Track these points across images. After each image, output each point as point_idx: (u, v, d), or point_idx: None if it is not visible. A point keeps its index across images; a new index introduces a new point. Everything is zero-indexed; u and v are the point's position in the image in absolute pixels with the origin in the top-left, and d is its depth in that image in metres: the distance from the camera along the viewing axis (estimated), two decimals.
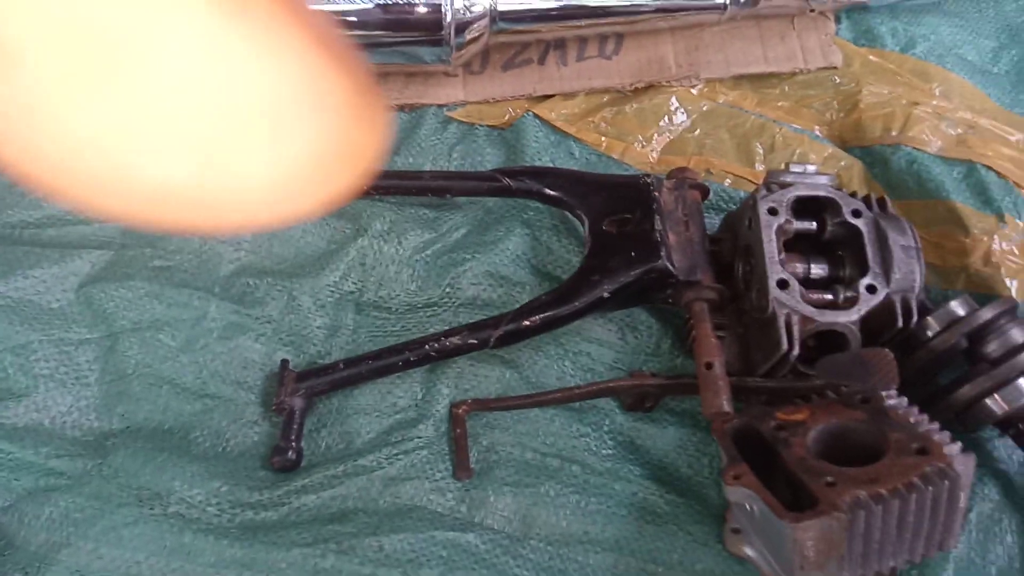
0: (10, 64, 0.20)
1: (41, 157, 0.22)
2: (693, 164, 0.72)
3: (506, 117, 0.75)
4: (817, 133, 0.74)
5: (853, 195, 0.59)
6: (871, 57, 0.76)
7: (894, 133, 0.71)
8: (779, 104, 0.76)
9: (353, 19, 0.67)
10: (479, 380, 0.61)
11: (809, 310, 0.55)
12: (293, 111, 0.23)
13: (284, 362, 0.59)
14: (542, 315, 0.57)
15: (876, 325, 0.56)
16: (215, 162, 0.23)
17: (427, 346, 0.57)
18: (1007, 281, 0.63)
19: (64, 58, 0.20)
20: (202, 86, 0.22)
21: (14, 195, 0.63)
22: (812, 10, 0.76)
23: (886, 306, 0.55)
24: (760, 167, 0.72)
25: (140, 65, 0.21)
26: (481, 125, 0.74)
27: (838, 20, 0.78)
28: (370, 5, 0.67)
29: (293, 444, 0.55)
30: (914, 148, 0.70)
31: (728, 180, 0.71)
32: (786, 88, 0.76)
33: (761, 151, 0.72)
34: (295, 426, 0.56)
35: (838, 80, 0.76)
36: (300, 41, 0.23)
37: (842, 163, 0.72)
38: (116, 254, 0.60)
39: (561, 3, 0.71)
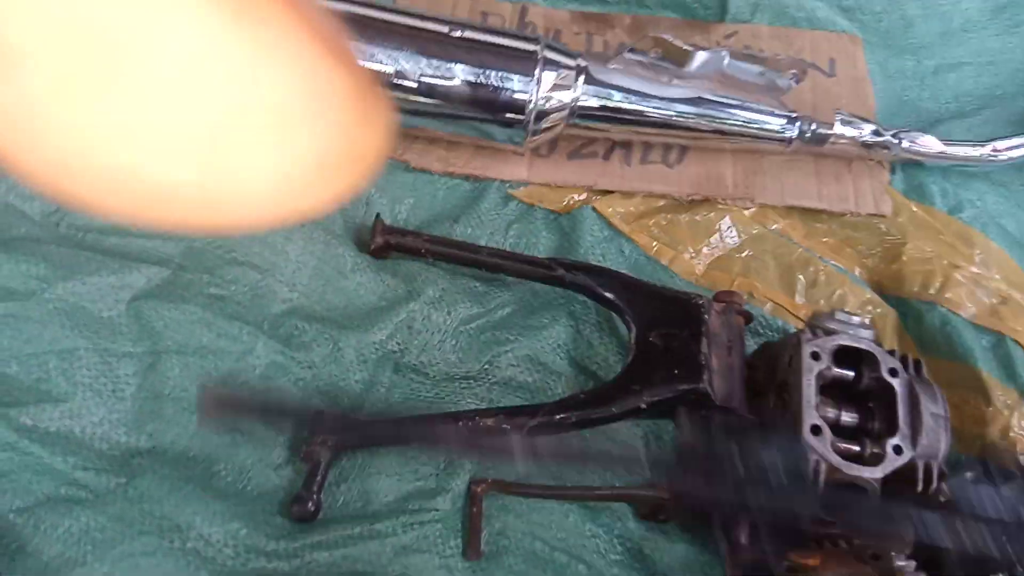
0: (11, 65, 0.20)
1: (44, 157, 0.22)
2: (737, 284, 0.74)
3: (565, 203, 0.77)
4: (857, 275, 0.77)
5: (891, 352, 0.61)
6: (919, 212, 0.79)
7: (932, 291, 0.74)
8: (824, 240, 0.78)
9: (440, 89, 0.70)
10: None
11: (837, 460, 0.56)
12: (296, 111, 0.23)
13: (318, 412, 0.59)
14: (578, 413, 0.58)
15: (896, 484, 0.57)
16: (217, 162, 0.23)
17: (460, 423, 0.58)
18: (1022, 459, 0.65)
19: (66, 59, 0.20)
20: (204, 86, 0.22)
21: None
22: (871, 159, 0.80)
23: (909, 468, 0.57)
24: (800, 299, 0.74)
25: (142, 65, 0.21)
26: (540, 207, 0.77)
27: (892, 171, 0.82)
28: (458, 81, 0.70)
29: (314, 496, 0.56)
30: (949, 310, 0.72)
31: (768, 306, 0.73)
32: (834, 226, 0.79)
33: (803, 284, 0.75)
34: (318, 477, 0.57)
35: (884, 228, 0.79)
36: (302, 41, 0.23)
37: (878, 310, 0.74)
38: (173, 274, 0.61)
39: (638, 113, 0.74)
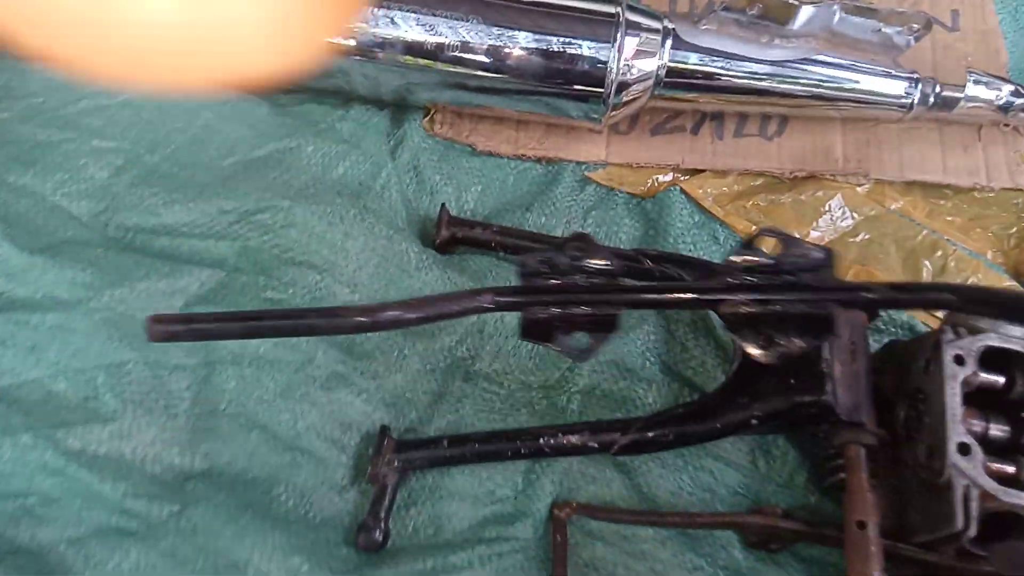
0: None
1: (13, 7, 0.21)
2: (853, 273, 0.65)
3: (649, 185, 0.69)
4: (991, 259, 0.66)
5: None
6: None
7: None
8: (951, 219, 0.68)
9: (509, 62, 0.62)
10: (586, 480, 0.55)
11: (992, 485, 0.47)
12: None
13: (384, 428, 0.54)
14: (676, 430, 0.51)
15: None
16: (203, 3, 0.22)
17: (542, 440, 0.52)
18: None
19: None
20: None
21: (133, 196, 0.60)
22: (1007, 124, 0.69)
23: None
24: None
25: None
26: (621, 191, 0.69)
27: None
28: (528, 51, 0.62)
29: (381, 523, 0.50)
30: None
31: None
32: (961, 203, 0.68)
33: (929, 271, 0.65)
34: (386, 502, 0.51)
35: (1021, 204, 0.68)
36: None
37: None
38: (228, 276, 0.57)
39: (733, 79, 0.65)
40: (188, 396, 0.53)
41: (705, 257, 0.64)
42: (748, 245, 0.50)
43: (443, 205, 0.64)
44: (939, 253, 0.65)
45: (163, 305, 0.55)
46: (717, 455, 0.56)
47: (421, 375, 0.57)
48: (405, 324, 0.43)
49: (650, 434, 0.51)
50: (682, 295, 0.47)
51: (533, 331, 0.45)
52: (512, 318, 0.59)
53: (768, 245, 0.50)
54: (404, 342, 0.57)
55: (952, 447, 0.48)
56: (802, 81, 0.65)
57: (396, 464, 0.52)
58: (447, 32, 0.62)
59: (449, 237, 0.62)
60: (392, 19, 0.61)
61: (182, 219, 0.60)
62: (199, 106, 0.65)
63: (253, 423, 0.53)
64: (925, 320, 0.62)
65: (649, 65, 0.64)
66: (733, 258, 0.49)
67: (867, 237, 0.66)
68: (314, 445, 0.53)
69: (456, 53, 0.62)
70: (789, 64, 0.65)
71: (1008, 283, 0.64)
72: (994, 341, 0.51)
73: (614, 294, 0.46)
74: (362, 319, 0.42)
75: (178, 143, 0.64)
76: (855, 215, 0.67)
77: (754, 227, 0.66)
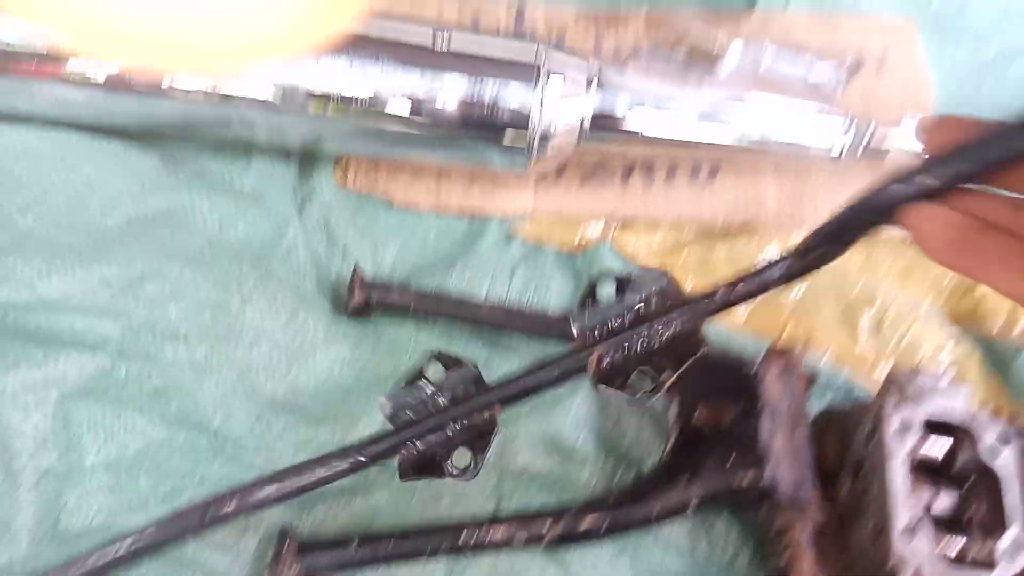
0: None
1: None
2: (790, 329, 0.62)
3: (578, 239, 0.65)
4: (930, 307, 0.65)
5: (995, 417, 0.49)
6: None
7: (1017, 332, 0.62)
8: (886, 266, 0.66)
9: (423, 109, 0.58)
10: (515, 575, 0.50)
11: (941, 570, 0.44)
12: None
13: (284, 530, 0.48)
14: (610, 520, 0.47)
15: None
16: None
17: (463, 536, 0.47)
18: None
19: None
20: None
21: (3, 266, 0.53)
22: None
23: None
24: (866, 343, 0.62)
25: None
26: (550, 245, 0.65)
27: None
28: (447, 98, 0.58)
29: None
30: None
31: (828, 357, 0.61)
32: (897, 249, 0.67)
33: (867, 325, 0.62)
34: None
35: None
36: None
37: (959, 350, 0.62)
38: (111, 362, 0.50)
39: (662, 125, 0.61)
40: (42, 508, 0.46)
41: None
42: (583, 303, 0.51)
43: (356, 266, 0.58)
44: (877, 303, 0.63)
45: (34, 400, 0.48)
46: (656, 536, 0.52)
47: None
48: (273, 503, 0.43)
49: (582, 526, 0.47)
50: (549, 372, 0.46)
51: (414, 469, 0.45)
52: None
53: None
54: (313, 432, 0.51)
55: (897, 532, 0.45)
56: (732, 127, 0.62)
57: (298, 569, 0.46)
58: (361, 78, 0.57)
59: (363, 302, 0.57)
60: (300, 63, 0.56)
61: (59, 291, 0.53)
62: (79, 159, 0.58)
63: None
64: (867, 378, 0.60)
65: (575, 109, 0.60)
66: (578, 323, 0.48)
67: (802, 290, 0.63)
68: (201, 555, 0.47)
69: (368, 100, 0.58)
70: (719, 107, 0.62)
71: (948, 333, 0.63)
72: (938, 409, 0.49)
73: (478, 399, 0.45)
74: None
75: (55, 202, 0.57)
76: None
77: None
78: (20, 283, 0.53)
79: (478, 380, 0.46)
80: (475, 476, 0.45)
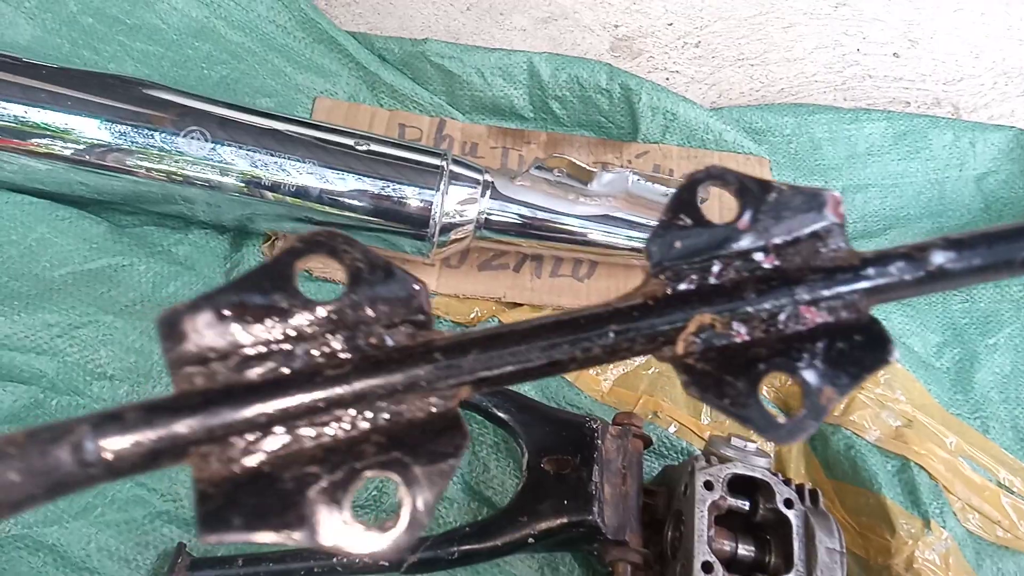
0: None
1: None
2: (642, 404, 0.73)
3: (472, 315, 0.76)
4: (764, 394, 0.76)
5: (787, 482, 0.60)
6: None
7: (836, 413, 0.73)
8: None
9: (343, 200, 0.69)
10: None
11: None
12: None
13: (181, 545, 0.55)
14: (461, 548, 0.55)
15: None
16: None
17: (335, 559, 0.54)
18: None
19: None
20: None
21: None
22: None
23: None
24: (706, 419, 0.73)
25: None
26: (446, 319, 0.75)
27: None
28: (363, 193, 0.69)
29: None
30: (854, 433, 0.71)
31: (673, 427, 0.72)
32: None
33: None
34: None
35: None
36: None
37: None
38: (43, 394, 0.58)
39: (544, 228, 0.74)
40: None
41: (516, 386, 0.71)
42: (675, 211, 0.31)
43: None
44: None
45: None
46: (509, 573, 0.60)
47: None
48: None
49: (438, 552, 0.55)
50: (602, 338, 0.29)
51: None
52: None
53: None
54: None
55: (697, 565, 0.54)
56: (603, 233, 0.75)
57: None
58: (291, 171, 0.68)
59: None
60: (235, 155, 0.67)
61: (4, 331, 0.61)
62: (36, 220, 0.67)
63: (40, 544, 0.53)
64: (701, 446, 0.70)
65: (470, 211, 0.72)
66: None
67: (657, 371, 0.75)
68: (105, 565, 0.53)
69: (295, 190, 0.68)
70: (592, 218, 0.75)
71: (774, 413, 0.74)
72: (740, 469, 0.59)
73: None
74: None
75: (10, 254, 0.65)
76: None
77: None
78: None
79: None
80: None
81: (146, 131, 0.65)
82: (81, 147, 0.65)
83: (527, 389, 0.70)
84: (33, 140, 0.65)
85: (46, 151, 0.65)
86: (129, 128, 0.65)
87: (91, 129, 0.65)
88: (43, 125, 0.64)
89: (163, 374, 0.62)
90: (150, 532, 0.55)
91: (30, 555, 0.52)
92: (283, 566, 0.55)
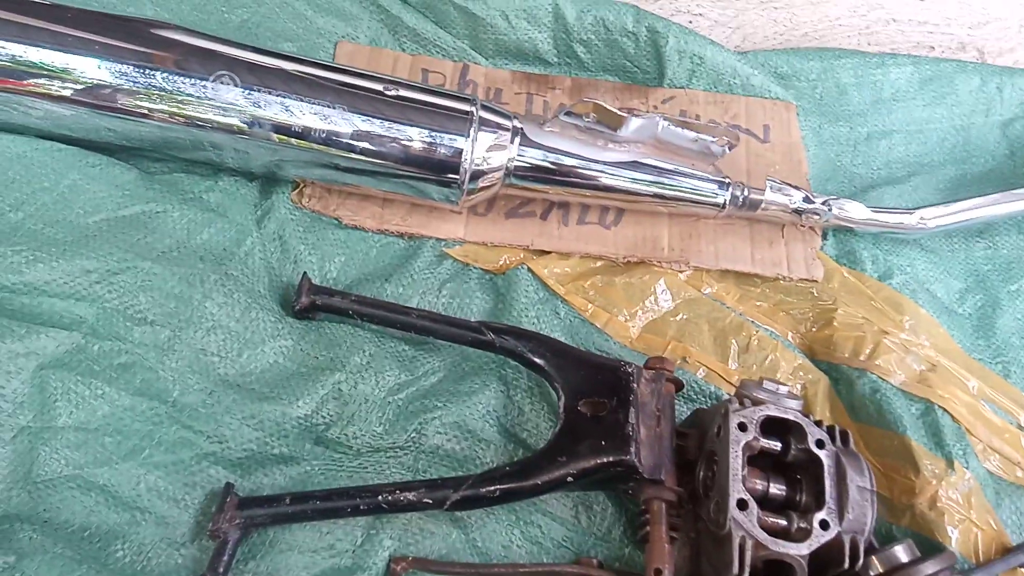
0: None
1: None
2: (670, 349, 0.73)
3: (500, 263, 0.76)
4: (790, 340, 0.77)
5: (818, 423, 0.61)
6: (850, 278, 0.80)
7: (862, 357, 0.74)
8: (758, 303, 0.79)
9: (372, 147, 0.69)
10: (424, 536, 0.59)
11: (764, 536, 0.55)
12: None
13: (228, 486, 0.56)
14: (502, 486, 0.56)
15: (824, 559, 0.56)
16: None
17: (380, 496, 0.56)
18: (949, 530, 0.65)
19: None
20: None
21: None
22: (803, 224, 0.81)
23: (836, 544, 0.56)
24: (733, 364, 0.74)
25: None
26: (475, 267, 0.75)
27: (824, 236, 0.83)
28: (392, 140, 0.69)
29: None
30: (879, 377, 0.72)
31: (702, 372, 0.73)
32: (767, 290, 0.79)
33: (736, 349, 0.74)
34: (225, 557, 0.53)
35: (816, 293, 0.79)
36: None
37: (809, 376, 0.74)
38: (84, 340, 0.58)
39: (573, 175, 0.73)
40: (16, 460, 0.54)
41: (546, 331, 0.71)
42: None
43: (304, 273, 0.68)
44: (744, 333, 0.75)
45: (14, 367, 0.56)
46: (545, 511, 0.62)
47: (273, 439, 0.60)
48: None
49: (480, 491, 0.56)
50: None
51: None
52: (365, 385, 0.63)
53: None
54: (257, 407, 0.60)
55: (732, 503, 0.55)
56: (632, 179, 0.75)
57: (238, 521, 0.54)
58: (320, 117, 0.67)
59: (308, 304, 0.66)
60: (265, 101, 0.67)
61: (44, 278, 0.61)
62: (66, 166, 0.67)
63: (91, 485, 0.54)
64: (730, 391, 0.71)
65: (500, 158, 0.72)
66: None
67: (685, 317, 0.75)
68: (155, 504, 0.55)
69: (324, 136, 0.68)
70: (621, 165, 0.74)
71: (801, 361, 0.75)
72: (773, 411, 0.61)
73: None
74: None
75: (44, 201, 0.65)
76: (676, 297, 0.76)
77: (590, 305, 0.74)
78: (8, 269, 0.61)
79: None
80: None
81: (175, 76, 0.65)
82: (108, 91, 0.64)
83: (559, 335, 0.71)
84: (57, 83, 0.64)
85: (75, 96, 0.65)
86: (159, 73, 0.64)
87: (117, 74, 0.64)
88: (69, 69, 0.63)
89: (204, 319, 0.62)
90: (197, 473, 0.57)
91: (83, 495, 0.53)
92: (329, 504, 0.56)
